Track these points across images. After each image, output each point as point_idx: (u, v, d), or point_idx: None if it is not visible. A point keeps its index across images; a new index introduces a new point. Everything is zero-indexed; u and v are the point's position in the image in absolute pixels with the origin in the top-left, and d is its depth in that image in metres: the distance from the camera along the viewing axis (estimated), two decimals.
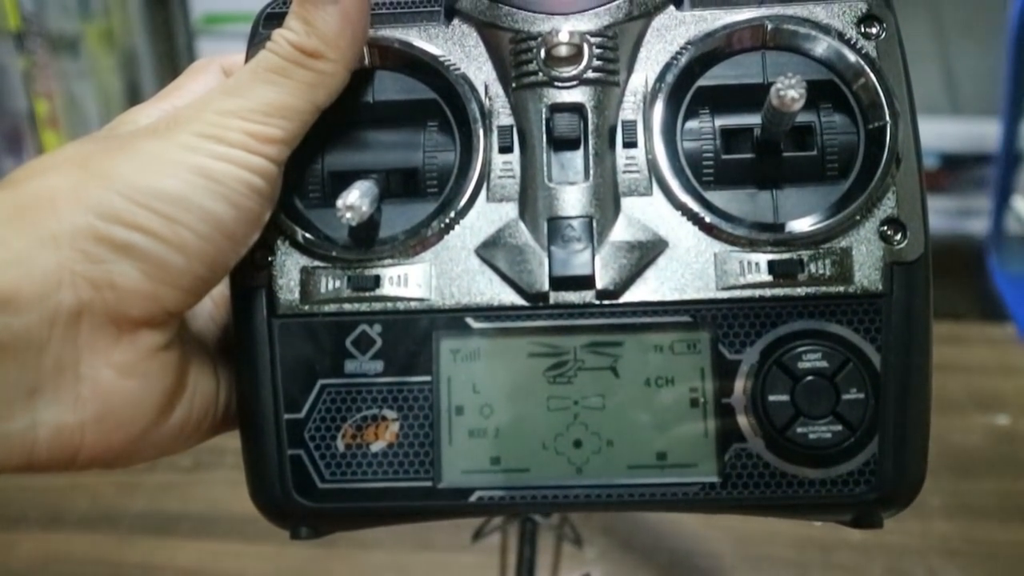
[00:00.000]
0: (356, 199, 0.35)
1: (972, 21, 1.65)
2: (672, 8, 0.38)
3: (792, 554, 0.87)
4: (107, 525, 0.87)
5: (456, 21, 0.39)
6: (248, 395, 0.37)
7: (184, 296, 0.34)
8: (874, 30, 0.37)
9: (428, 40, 0.39)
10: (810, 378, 0.35)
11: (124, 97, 1.63)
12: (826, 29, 0.37)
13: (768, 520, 0.38)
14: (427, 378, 0.36)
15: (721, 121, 0.38)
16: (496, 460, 0.36)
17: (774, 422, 0.35)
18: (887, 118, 0.36)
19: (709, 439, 0.35)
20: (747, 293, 0.36)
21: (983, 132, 1.61)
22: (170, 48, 1.71)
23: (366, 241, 0.38)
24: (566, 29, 0.36)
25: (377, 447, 0.36)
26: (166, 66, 1.70)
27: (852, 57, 0.37)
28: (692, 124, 0.38)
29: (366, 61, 0.39)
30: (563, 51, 0.36)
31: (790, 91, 0.33)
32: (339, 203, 0.35)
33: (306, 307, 0.37)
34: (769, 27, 0.37)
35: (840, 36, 0.37)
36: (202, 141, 0.34)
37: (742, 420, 0.35)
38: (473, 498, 0.35)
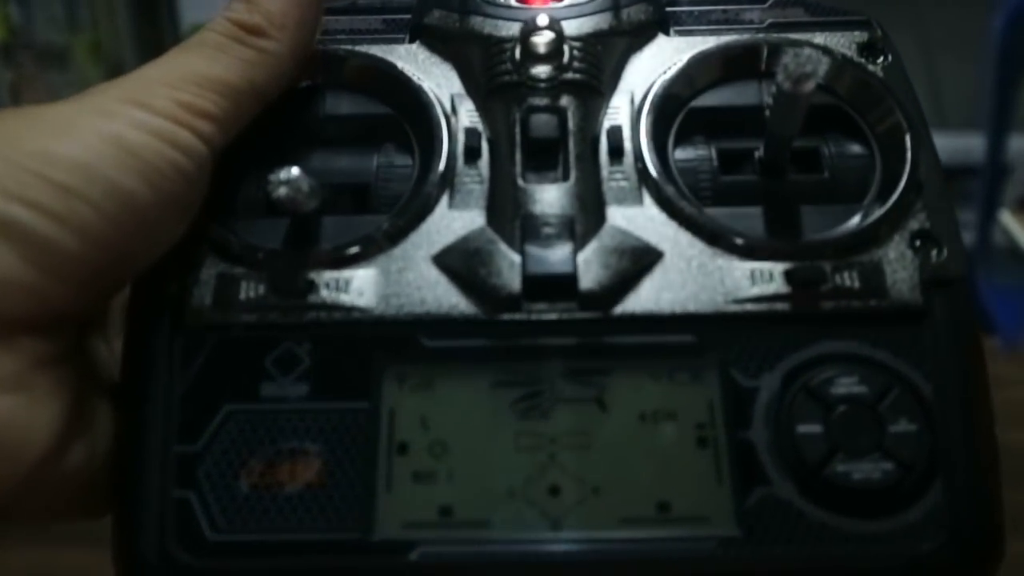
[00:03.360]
0: (296, 173, 0.30)
1: (956, 34, 1.66)
2: (660, 34, 0.36)
3: None
4: (92, 540, 0.87)
5: (423, 39, 0.36)
6: (131, 419, 0.30)
7: (78, 294, 0.28)
8: (878, 58, 0.35)
9: (389, 55, 0.35)
10: (847, 406, 0.29)
11: None
12: (828, 52, 0.35)
13: None
14: (364, 405, 0.30)
15: (717, 144, 0.34)
16: (447, 510, 0.29)
17: (805, 459, 0.29)
18: (906, 133, 0.33)
19: (724, 485, 0.29)
20: (762, 307, 0.30)
21: (968, 145, 1.62)
22: None
23: (302, 248, 0.32)
24: (545, 17, 0.33)
25: (292, 489, 0.29)
26: None
27: (862, 77, 0.34)
28: (684, 146, 0.34)
29: (319, 76, 0.35)
30: (541, 45, 0.33)
31: (805, 66, 0.29)
32: (272, 177, 0.30)
33: (219, 317, 0.31)
34: (766, 50, 0.35)
35: (845, 58, 0.35)
36: (121, 106, 0.29)
37: (765, 459, 0.29)
38: (414, 555, 0.28)
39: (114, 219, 0.27)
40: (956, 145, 1.68)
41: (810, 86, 0.29)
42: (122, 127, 0.28)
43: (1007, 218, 1.59)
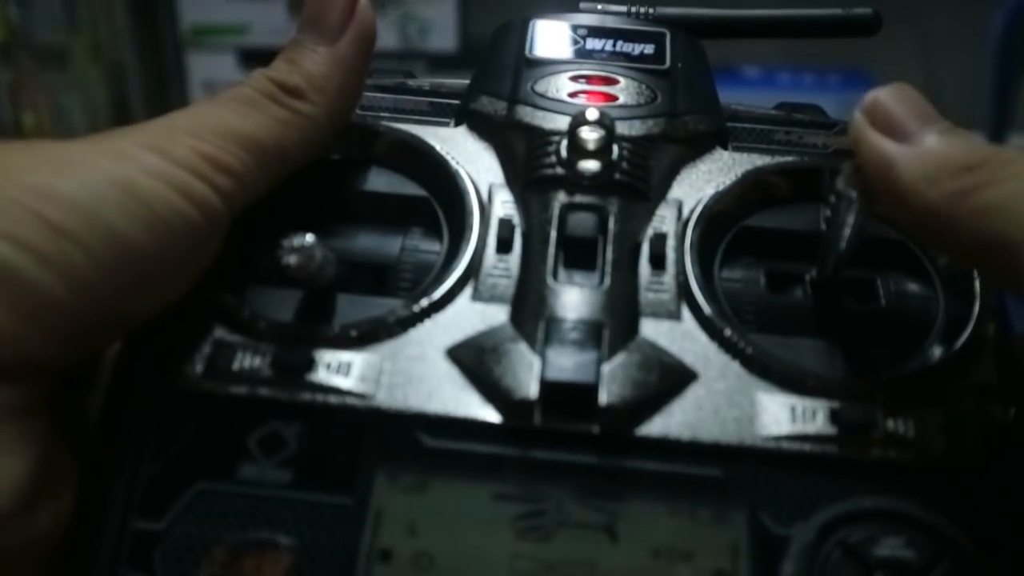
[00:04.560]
0: (310, 241, 0.28)
1: (956, 34, 1.67)
2: (718, 147, 0.34)
3: None
4: None
5: (468, 124, 0.35)
6: (95, 483, 0.27)
7: (58, 344, 0.25)
8: None
9: (430, 136, 0.34)
10: (889, 571, 0.26)
11: (111, 109, 1.63)
12: None
13: None
14: (349, 501, 0.27)
15: (767, 266, 0.32)
16: None
17: None
18: (975, 276, 0.31)
19: None
20: (801, 448, 0.27)
21: None
22: (158, 60, 1.71)
23: (309, 323, 0.30)
24: (596, 111, 0.31)
25: None
26: (153, 78, 1.70)
27: None
28: (732, 266, 0.33)
29: (355, 149, 0.34)
30: (591, 141, 0.31)
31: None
32: (284, 242, 0.28)
33: (207, 385, 0.28)
34: (828, 175, 0.31)
35: None
36: (138, 150, 0.27)
37: None
38: None
39: (109, 269, 0.25)
40: None
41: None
42: (134, 172, 0.26)
43: None
